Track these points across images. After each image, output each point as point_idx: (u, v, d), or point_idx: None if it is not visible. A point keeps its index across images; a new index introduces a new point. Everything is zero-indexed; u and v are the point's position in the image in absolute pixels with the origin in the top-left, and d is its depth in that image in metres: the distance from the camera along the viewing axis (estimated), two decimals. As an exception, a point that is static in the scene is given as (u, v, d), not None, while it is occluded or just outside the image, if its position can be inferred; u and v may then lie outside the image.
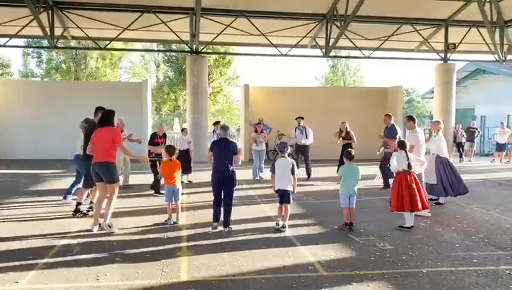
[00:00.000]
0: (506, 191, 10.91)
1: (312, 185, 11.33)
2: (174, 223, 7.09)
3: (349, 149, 7.36)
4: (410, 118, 8.63)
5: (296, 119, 12.56)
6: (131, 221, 7.31)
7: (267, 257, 5.50)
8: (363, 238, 6.36)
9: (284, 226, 6.76)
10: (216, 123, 12.15)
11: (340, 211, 7.04)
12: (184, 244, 6.04)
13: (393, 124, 10.45)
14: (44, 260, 5.29)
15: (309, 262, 5.31)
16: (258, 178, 12.18)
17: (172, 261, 5.31)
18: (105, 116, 6.80)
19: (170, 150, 7.38)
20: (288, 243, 6.13)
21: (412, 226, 6.91)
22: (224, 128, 7.15)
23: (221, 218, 6.75)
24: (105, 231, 6.49)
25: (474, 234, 6.64)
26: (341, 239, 6.30)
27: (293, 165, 6.68)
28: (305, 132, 12.24)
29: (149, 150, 10.02)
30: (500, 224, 7.32)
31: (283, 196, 6.74)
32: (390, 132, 10.30)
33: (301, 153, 12.34)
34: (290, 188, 6.69)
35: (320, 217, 7.63)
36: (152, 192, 9.71)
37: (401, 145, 7.19)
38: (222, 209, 6.75)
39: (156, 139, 10.02)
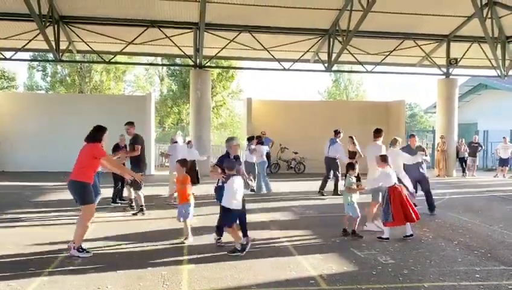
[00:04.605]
0: (509, 206, 10.85)
1: (313, 198, 11.33)
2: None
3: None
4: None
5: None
6: (131, 233, 7.33)
7: (269, 270, 5.49)
8: (365, 252, 6.34)
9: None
10: (250, 139, 11.51)
11: (340, 222, 7.06)
12: (186, 256, 6.04)
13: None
14: (47, 271, 5.30)
15: (310, 276, 5.30)
16: (262, 191, 12.13)
17: (173, 273, 5.31)
18: (93, 132, 6.23)
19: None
20: (290, 256, 6.11)
21: (412, 234, 7.08)
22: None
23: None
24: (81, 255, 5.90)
25: (477, 248, 6.61)
26: (343, 253, 6.29)
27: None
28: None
29: None
30: (503, 239, 7.29)
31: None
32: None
33: None
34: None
35: (322, 230, 7.61)
36: (119, 204, 9.99)
37: (385, 159, 7.24)
38: None
39: (118, 150, 9.92)
